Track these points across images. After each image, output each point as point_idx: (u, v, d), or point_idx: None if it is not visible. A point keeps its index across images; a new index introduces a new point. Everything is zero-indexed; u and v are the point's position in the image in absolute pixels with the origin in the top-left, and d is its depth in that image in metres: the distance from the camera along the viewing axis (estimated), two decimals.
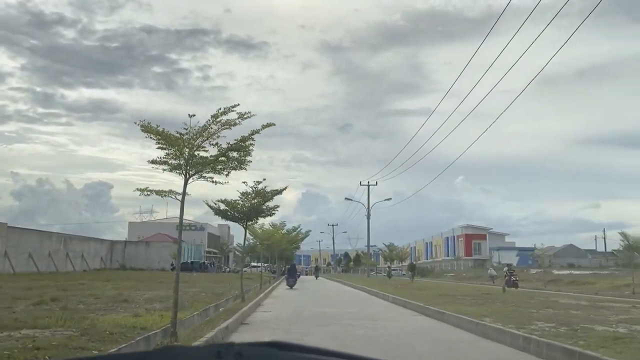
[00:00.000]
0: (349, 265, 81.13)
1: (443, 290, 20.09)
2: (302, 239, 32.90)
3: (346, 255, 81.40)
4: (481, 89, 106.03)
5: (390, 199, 54.02)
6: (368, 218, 47.64)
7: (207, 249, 71.78)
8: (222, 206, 14.50)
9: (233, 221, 15.92)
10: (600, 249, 68.02)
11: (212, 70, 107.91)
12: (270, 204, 15.09)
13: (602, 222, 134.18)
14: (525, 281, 30.01)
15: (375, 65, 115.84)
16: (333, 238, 72.20)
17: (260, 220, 18.05)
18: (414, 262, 53.84)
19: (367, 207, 47.91)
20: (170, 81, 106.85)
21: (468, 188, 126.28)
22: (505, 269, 25.53)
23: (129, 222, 71.86)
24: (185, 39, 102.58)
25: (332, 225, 74.41)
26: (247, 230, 18.07)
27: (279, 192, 14.93)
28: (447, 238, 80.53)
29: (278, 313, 12.82)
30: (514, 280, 23.33)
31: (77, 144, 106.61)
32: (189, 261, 47.83)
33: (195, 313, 10.02)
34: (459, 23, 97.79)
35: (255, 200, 14.66)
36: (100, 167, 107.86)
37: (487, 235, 70.42)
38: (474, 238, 69.91)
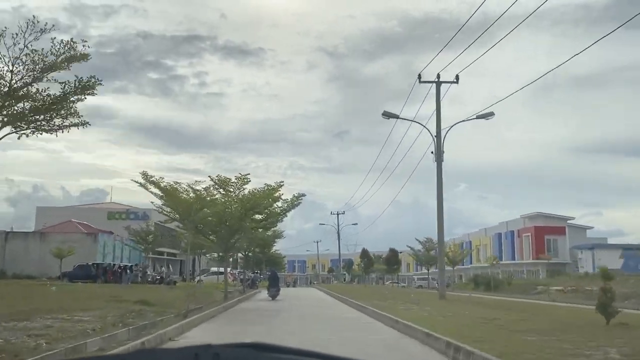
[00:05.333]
0: (351, 271, 79.33)
1: None
2: (285, 210, 24.77)
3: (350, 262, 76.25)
4: (480, 95, 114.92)
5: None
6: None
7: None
8: None
9: None
10: None
11: (208, 76, 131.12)
12: None
13: (602, 230, 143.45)
14: None
15: (371, 71, 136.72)
16: (338, 233, 65.19)
17: None
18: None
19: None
20: (167, 87, 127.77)
21: (468, 195, 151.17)
22: None
23: (37, 207, 64.30)
24: (181, 45, 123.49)
25: (337, 214, 67.24)
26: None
27: None
28: (500, 235, 73.18)
29: None
30: None
31: (73, 151, 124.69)
32: (92, 263, 39.78)
33: None
34: (454, 29, 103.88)
35: None
36: (96, 174, 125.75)
37: (567, 228, 62.11)
38: (546, 232, 61.68)
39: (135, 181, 22.59)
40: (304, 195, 25.87)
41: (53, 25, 15.14)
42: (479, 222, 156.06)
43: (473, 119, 24.18)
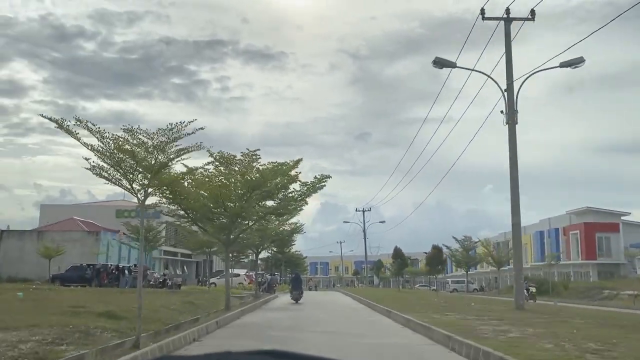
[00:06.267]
0: (381, 274, 73.42)
1: None
2: (304, 194, 18.81)
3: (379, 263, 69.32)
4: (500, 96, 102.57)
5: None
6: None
7: (163, 248, 58.93)
8: None
9: None
10: None
11: (230, 81, 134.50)
12: None
13: None
14: None
15: (393, 73, 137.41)
16: (364, 231, 58.92)
17: None
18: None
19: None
20: (190, 92, 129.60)
21: (493, 197, 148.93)
22: None
23: (41, 205, 59.40)
24: (203, 50, 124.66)
25: (362, 211, 61.01)
26: None
27: None
28: (541, 233, 66.33)
29: None
30: None
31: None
32: (87, 264, 34.14)
33: None
34: (477, 30, 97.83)
35: None
36: None
37: (621, 225, 54.88)
38: (598, 229, 54.49)
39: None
40: (328, 177, 19.72)
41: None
42: (505, 223, 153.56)
43: (556, 67, 17.71)
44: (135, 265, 36.13)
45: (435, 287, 76.75)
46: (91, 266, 35.38)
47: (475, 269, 67.68)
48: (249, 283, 45.41)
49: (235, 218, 16.62)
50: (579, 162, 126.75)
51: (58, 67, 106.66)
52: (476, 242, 51.04)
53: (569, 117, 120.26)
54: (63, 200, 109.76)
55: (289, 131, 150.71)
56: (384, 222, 62.35)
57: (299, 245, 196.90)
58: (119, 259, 47.80)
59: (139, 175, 9.16)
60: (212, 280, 48.52)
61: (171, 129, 9.11)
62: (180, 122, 9.24)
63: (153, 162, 9.06)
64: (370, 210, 61.77)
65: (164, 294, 26.06)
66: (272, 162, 16.37)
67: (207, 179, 15.89)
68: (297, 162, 18.19)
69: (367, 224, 61.08)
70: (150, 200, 18.69)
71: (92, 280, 34.40)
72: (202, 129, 10.05)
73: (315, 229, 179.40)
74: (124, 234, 40.25)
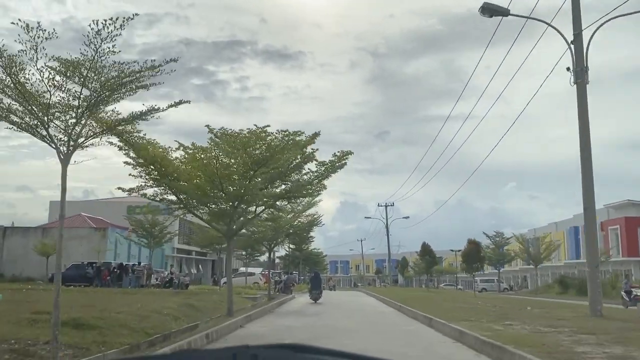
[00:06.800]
0: (405, 273, 68.81)
1: None
2: (321, 175, 15.43)
3: (404, 261, 65.28)
4: (524, 93, 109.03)
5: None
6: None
7: (177, 246, 56.34)
8: None
9: None
10: None
11: (249, 81, 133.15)
12: None
13: None
14: None
15: (412, 71, 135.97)
16: (387, 227, 55.23)
17: None
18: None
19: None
20: (210, 93, 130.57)
21: (515, 195, 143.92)
22: None
23: (51, 202, 56.93)
24: (222, 51, 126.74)
25: (385, 206, 57.37)
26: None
27: None
28: (576, 229, 61.88)
29: None
30: None
31: (121, 156, 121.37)
32: (88, 262, 31.21)
33: None
34: (497, 26, 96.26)
35: None
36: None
37: None
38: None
39: None
40: (350, 153, 16.25)
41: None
42: (527, 222, 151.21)
43: (634, 13, 13.98)
44: (139, 264, 33.11)
45: (461, 287, 72.71)
46: (92, 265, 32.46)
47: (503, 267, 63.79)
48: (264, 282, 42.11)
49: (235, 202, 13.24)
50: (609, 158, 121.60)
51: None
52: (508, 239, 47.19)
53: (599, 111, 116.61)
54: (75, 198, 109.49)
55: (308, 130, 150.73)
56: (408, 217, 58.65)
57: (319, 243, 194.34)
58: (129, 257, 45.00)
59: (63, 115, 5.79)
60: (224, 279, 45.41)
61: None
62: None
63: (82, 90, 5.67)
64: (393, 205, 58.00)
65: (166, 295, 23.03)
66: (282, 131, 12.91)
67: (199, 153, 12.59)
68: (314, 136, 14.77)
69: (389, 219, 57.32)
70: (135, 183, 15.54)
71: (94, 280, 31.56)
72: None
73: (335, 228, 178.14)
74: (132, 230, 37.41)
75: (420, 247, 38.63)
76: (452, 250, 64.98)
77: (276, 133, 12.81)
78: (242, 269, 46.84)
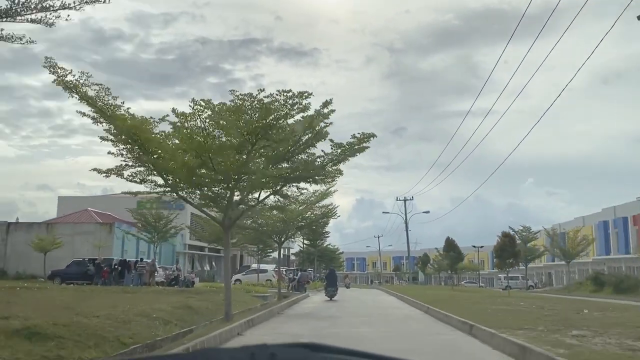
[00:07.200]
0: (425, 269, 66.37)
1: None
2: (336, 158, 12.85)
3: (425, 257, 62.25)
4: (542, 88, 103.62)
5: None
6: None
7: (188, 242, 54.33)
8: None
9: None
10: None
11: (264, 78, 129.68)
12: None
13: None
14: None
15: (428, 66, 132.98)
16: (406, 223, 52.52)
17: None
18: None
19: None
20: (226, 91, 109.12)
21: (533, 191, 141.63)
22: None
23: (59, 197, 55.21)
24: (238, 49, 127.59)
25: (404, 200, 54.70)
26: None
27: None
28: (605, 223, 58.91)
29: None
30: None
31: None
32: (89, 259, 29.16)
33: None
34: (515, 20, 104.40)
35: None
36: None
37: None
38: None
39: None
40: (372, 135, 13.72)
41: None
42: (546, 218, 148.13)
43: None
44: (141, 260, 30.86)
45: (482, 284, 69.58)
46: (93, 261, 30.32)
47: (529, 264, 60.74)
48: (277, 280, 39.73)
49: (230, 183, 10.75)
50: (626, 154, 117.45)
51: (98, 69, 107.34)
52: (536, 233, 44.19)
53: (613, 107, 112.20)
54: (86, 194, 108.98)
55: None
56: (429, 212, 55.96)
57: (335, 240, 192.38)
58: (137, 253, 42.90)
59: None
60: (236, 276, 43.04)
61: None
62: None
63: None
64: (412, 199, 55.16)
65: (166, 294, 20.75)
66: (283, 92, 10.28)
67: (183, 121, 10.13)
68: (326, 104, 12.22)
69: (408, 214, 54.49)
70: (115, 162, 13.11)
71: (95, 278, 29.45)
72: None
73: (351, 225, 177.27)
74: (136, 224, 35.31)
75: (444, 243, 35.90)
76: (474, 247, 61.97)
77: (276, 94, 10.23)
78: (254, 266, 44.52)
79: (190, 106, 10.10)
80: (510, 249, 23.50)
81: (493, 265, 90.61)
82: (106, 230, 41.09)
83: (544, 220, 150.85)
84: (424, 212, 56.01)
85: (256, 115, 10.03)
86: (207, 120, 10.13)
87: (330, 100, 12.44)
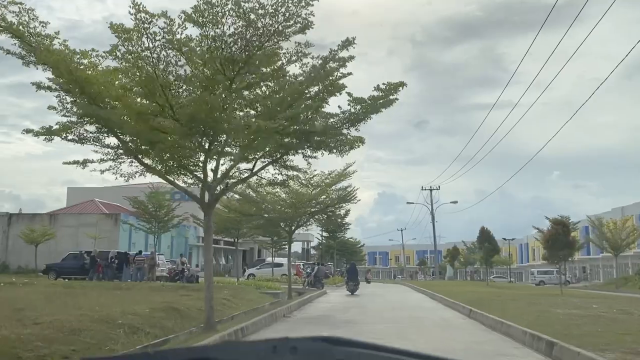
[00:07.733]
0: (454, 263, 62.90)
1: None
2: (360, 114, 9.54)
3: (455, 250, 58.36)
4: (567, 79, 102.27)
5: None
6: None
7: (202, 234, 51.21)
8: None
9: None
10: None
11: None
12: None
13: None
14: None
15: (451, 59, 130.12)
16: (432, 214, 49.13)
17: None
18: None
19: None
20: None
21: (559, 184, 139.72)
22: None
23: (68, 188, 53.00)
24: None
25: (430, 190, 51.28)
26: None
27: None
28: None
29: None
30: None
31: None
32: (85, 252, 26.34)
33: None
34: (536, 11, 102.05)
35: None
36: None
37: None
38: None
39: None
40: (402, 84, 10.51)
41: None
42: (574, 211, 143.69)
43: None
44: (140, 252, 27.93)
45: (512, 279, 65.42)
46: (89, 253, 27.50)
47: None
48: (295, 274, 36.59)
49: (201, 135, 7.50)
50: None
51: None
52: (576, 223, 40.17)
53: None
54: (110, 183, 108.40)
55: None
56: (457, 202, 52.36)
57: (356, 234, 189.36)
58: (146, 246, 40.20)
59: None
60: (250, 270, 40.03)
61: None
62: None
63: None
64: (439, 188, 51.59)
65: (160, 291, 18.07)
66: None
67: (124, 40, 6.94)
68: (346, 45, 8.99)
69: (434, 205, 50.91)
70: (57, 117, 9.85)
71: (96, 273, 26.68)
72: None
73: (373, 219, 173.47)
74: (135, 214, 32.53)
75: (477, 233, 32.42)
76: (504, 239, 58.04)
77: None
78: (269, 259, 41.51)
79: (132, 14, 6.84)
80: (564, 239, 20.03)
81: (521, 259, 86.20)
82: (111, 221, 38.45)
83: (571, 213, 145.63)
84: (451, 202, 52.49)
85: (232, 29, 6.74)
86: (159, 39, 6.91)
87: (353, 39, 9.17)
